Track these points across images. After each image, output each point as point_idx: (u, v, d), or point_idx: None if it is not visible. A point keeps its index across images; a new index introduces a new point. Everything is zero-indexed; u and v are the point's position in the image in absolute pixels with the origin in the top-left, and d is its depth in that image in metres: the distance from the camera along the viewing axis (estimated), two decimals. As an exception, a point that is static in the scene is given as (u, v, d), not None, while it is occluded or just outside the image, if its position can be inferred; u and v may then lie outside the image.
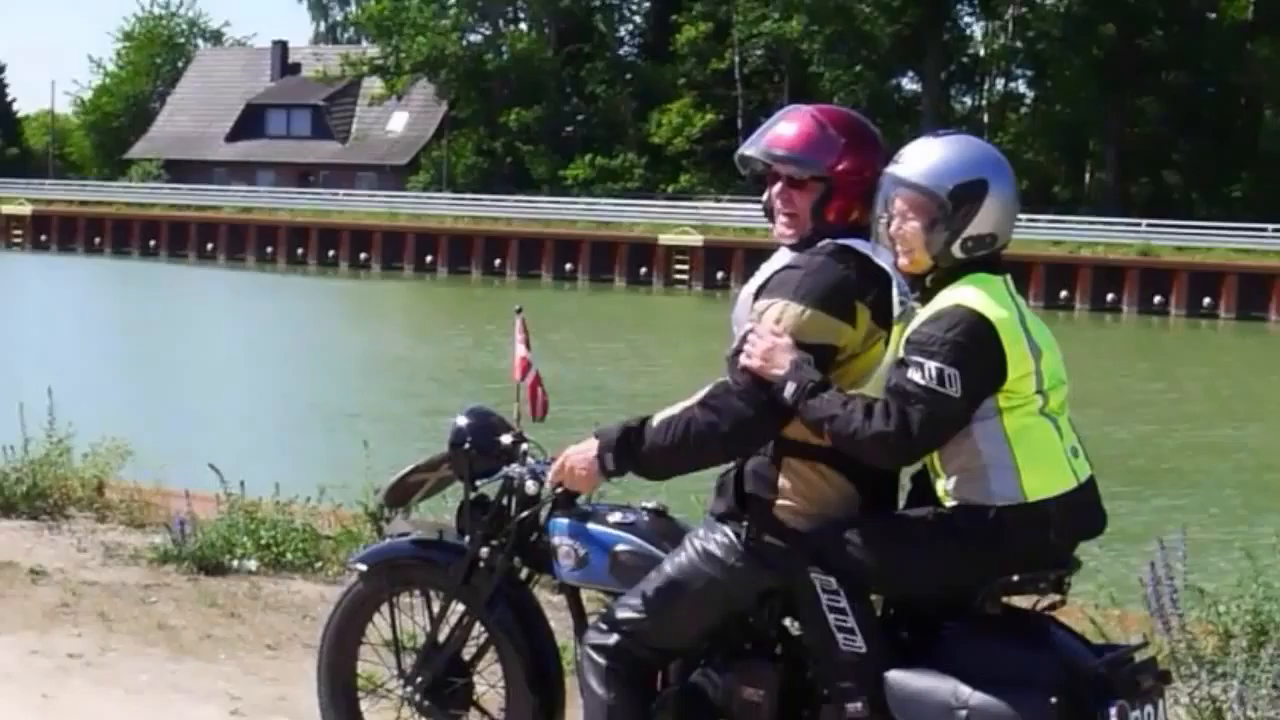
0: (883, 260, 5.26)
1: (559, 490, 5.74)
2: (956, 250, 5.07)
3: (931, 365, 4.92)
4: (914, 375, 4.94)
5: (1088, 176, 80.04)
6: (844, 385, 5.16)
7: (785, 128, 5.37)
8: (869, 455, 5.03)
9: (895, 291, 5.25)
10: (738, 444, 5.26)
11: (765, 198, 5.46)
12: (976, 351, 4.93)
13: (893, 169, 5.15)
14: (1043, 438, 5.05)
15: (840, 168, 5.29)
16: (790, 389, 5.06)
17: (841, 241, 5.26)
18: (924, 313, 5.06)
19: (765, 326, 5.17)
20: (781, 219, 5.39)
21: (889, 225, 5.16)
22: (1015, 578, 5.09)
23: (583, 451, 5.48)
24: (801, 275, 5.21)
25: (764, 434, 5.24)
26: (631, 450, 5.35)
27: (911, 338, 5.03)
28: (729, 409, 5.20)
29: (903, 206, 5.10)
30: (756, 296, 5.31)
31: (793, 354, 5.09)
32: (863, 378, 5.19)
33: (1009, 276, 5.17)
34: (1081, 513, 5.12)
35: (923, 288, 5.17)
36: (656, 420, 5.35)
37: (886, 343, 5.22)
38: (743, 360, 5.18)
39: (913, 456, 5.07)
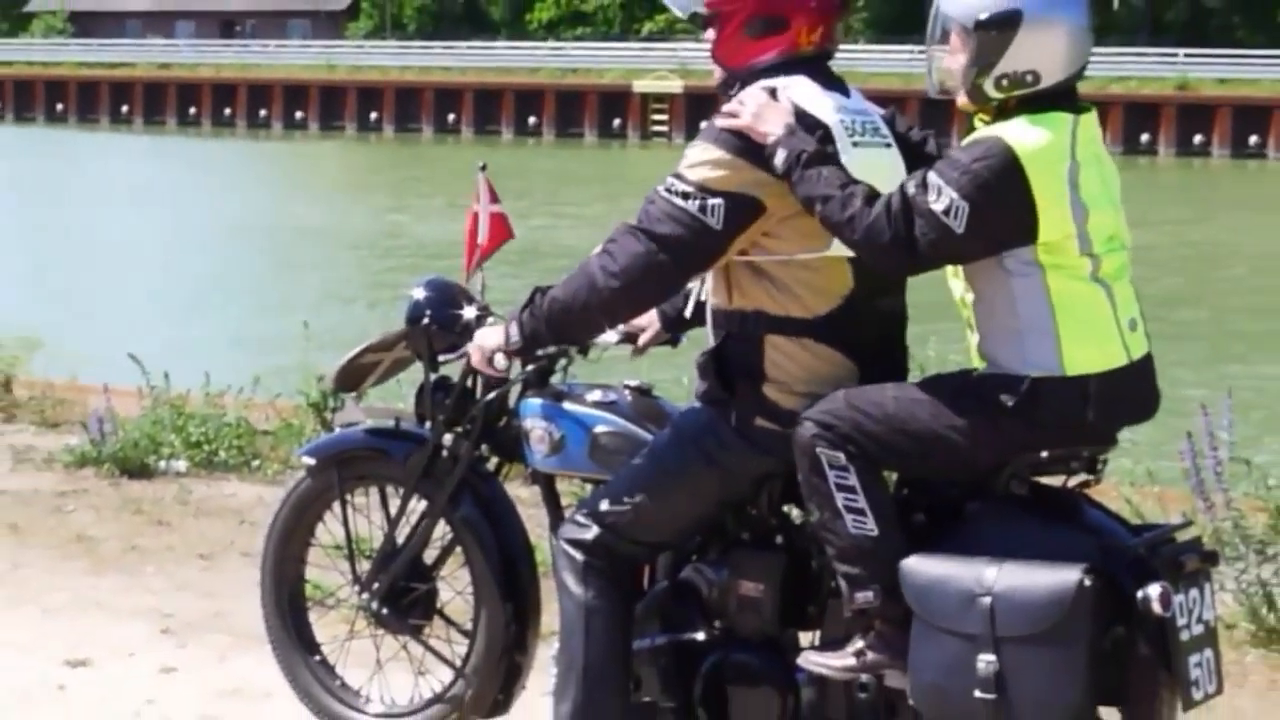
0: (821, 103, 5.23)
1: (523, 372, 5.78)
2: (990, 88, 5.04)
3: (948, 192, 4.89)
4: (930, 196, 4.92)
5: (1115, 2, 79.65)
6: (791, 245, 5.18)
7: None
8: (860, 248, 5.02)
9: (844, 141, 5.18)
10: (637, 287, 5.22)
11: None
12: (997, 190, 4.89)
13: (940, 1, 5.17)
14: (1091, 305, 5.03)
15: None
16: (781, 156, 5.05)
17: (768, 82, 5.24)
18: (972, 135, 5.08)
19: (757, 88, 5.17)
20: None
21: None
22: (1044, 455, 5.12)
23: (494, 328, 5.58)
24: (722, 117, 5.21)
25: (666, 275, 5.21)
26: (535, 311, 5.35)
27: (943, 157, 5.08)
28: (626, 250, 5.19)
29: (951, 40, 5.11)
30: None
31: (789, 118, 5.10)
32: (818, 236, 5.13)
33: (1086, 118, 5.10)
34: (1130, 393, 5.12)
35: (970, 130, 5.17)
36: (564, 277, 5.36)
37: None
38: (725, 121, 5.17)
39: (903, 273, 5.13)
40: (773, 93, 5.20)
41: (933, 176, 4.94)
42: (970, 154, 4.94)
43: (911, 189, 4.97)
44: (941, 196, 4.90)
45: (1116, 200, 5.13)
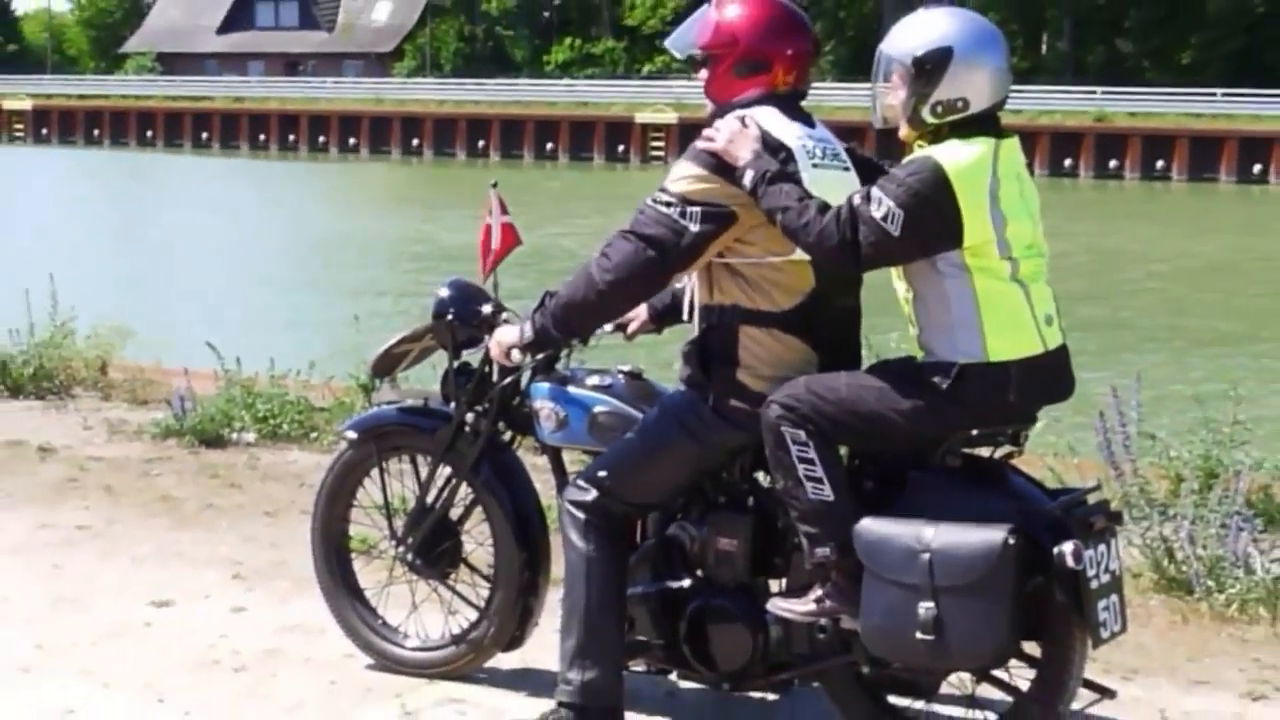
0: (786, 130, 5.25)
1: (537, 358, 5.77)
2: (927, 114, 5.07)
3: (886, 202, 4.92)
4: (871, 206, 4.94)
5: (1044, 46, 79.57)
6: (761, 250, 5.20)
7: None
8: (813, 251, 5.04)
9: (804, 162, 5.21)
10: (628, 280, 5.26)
11: None
12: (927, 199, 4.91)
13: (881, 44, 5.19)
14: (1011, 302, 5.04)
15: (706, 42, 5.38)
16: (749, 175, 5.08)
17: (741, 112, 5.26)
18: (909, 156, 5.09)
19: (731, 118, 5.19)
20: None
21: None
22: (974, 433, 5.14)
23: (511, 327, 5.63)
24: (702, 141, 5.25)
25: (652, 269, 5.24)
26: (544, 312, 5.42)
27: (887, 173, 5.09)
28: (619, 251, 5.24)
29: (893, 78, 5.13)
30: None
31: (756, 144, 5.13)
32: (783, 242, 5.14)
33: (1008, 143, 5.10)
34: (1046, 378, 5.12)
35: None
36: (567, 278, 5.41)
37: None
38: (704, 144, 5.19)
39: (850, 270, 5.11)
40: (743, 120, 5.21)
41: (875, 190, 4.97)
42: (906, 170, 4.97)
43: (857, 200, 4.98)
44: (881, 205, 4.92)
45: (1034, 214, 5.14)
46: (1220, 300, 30.28)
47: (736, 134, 5.15)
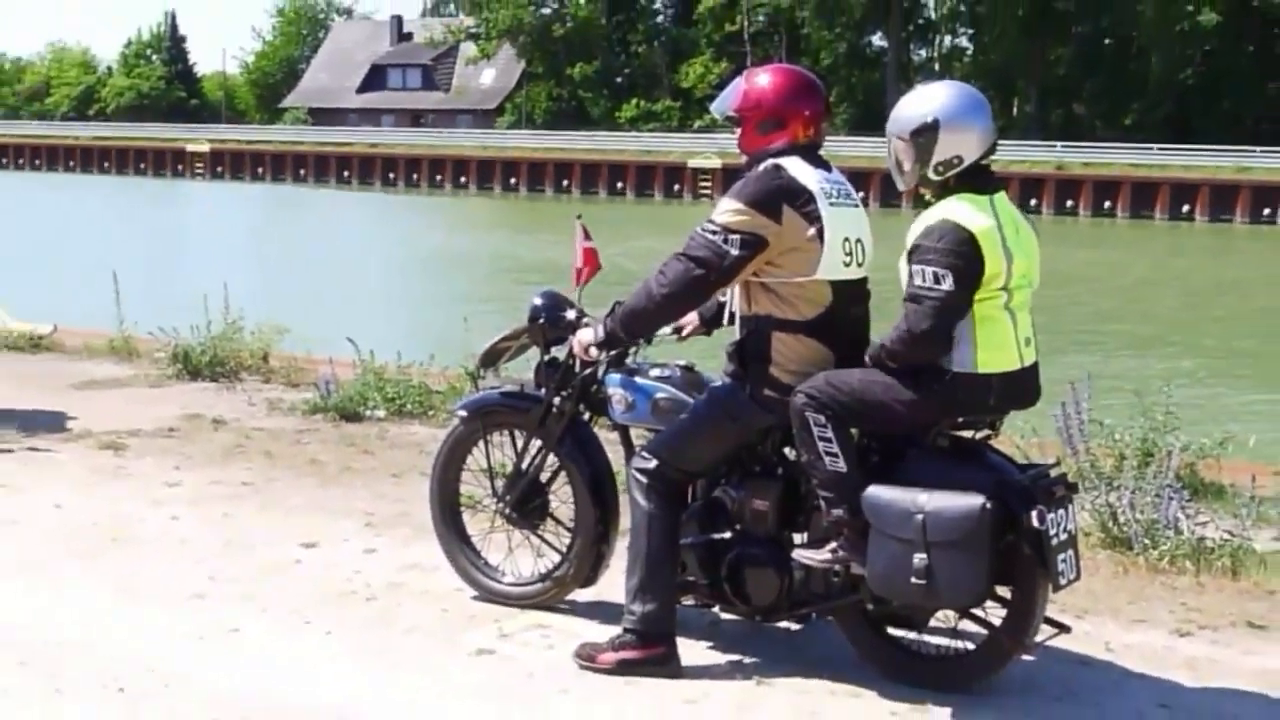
0: (808, 176, 5.22)
1: (611, 355, 5.76)
2: (931, 174, 5.06)
3: (928, 270, 4.88)
4: (917, 280, 4.92)
5: (1015, 109, 79.05)
6: (788, 271, 5.18)
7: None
8: (912, 355, 4.98)
9: (823, 202, 5.19)
10: (680, 295, 5.26)
11: None
12: (961, 254, 4.88)
13: (887, 126, 5.16)
14: (1000, 325, 5.01)
15: (737, 106, 5.37)
16: (869, 356, 5.10)
17: (774, 160, 5.25)
18: (919, 225, 5.01)
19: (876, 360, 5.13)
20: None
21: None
22: (960, 420, 5.14)
23: (589, 329, 5.62)
24: (742, 183, 5.24)
25: (700, 285, 5.23)
26: (614, 317, 5.42)
27: (912, 250, 5.00)
28: (673, 269, 5.24)
29: (900, 151, 5.12)
30: None
31: (873, 349, 5.10)
32: (806, 265, 5.17)
33: (1000, 194, 5.09)
34: (1020, 388, 5.11)
35: (926, 205, 5.15)
36: (632, 290, 5.40)
37: (821, 238, 5.17)
38: (868, 355, 5.15)
39: (936, 344, 4.96)
40: (778, 167, 5.17)
41: (914, 266, 4.91)
42: (932, 239, 4.91)
43: (907, 292, 4.94)
44: (925, 275, 4.88)
45: (1029, 252, 5.10)
46: (1144, 309, 30.24)
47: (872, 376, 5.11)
